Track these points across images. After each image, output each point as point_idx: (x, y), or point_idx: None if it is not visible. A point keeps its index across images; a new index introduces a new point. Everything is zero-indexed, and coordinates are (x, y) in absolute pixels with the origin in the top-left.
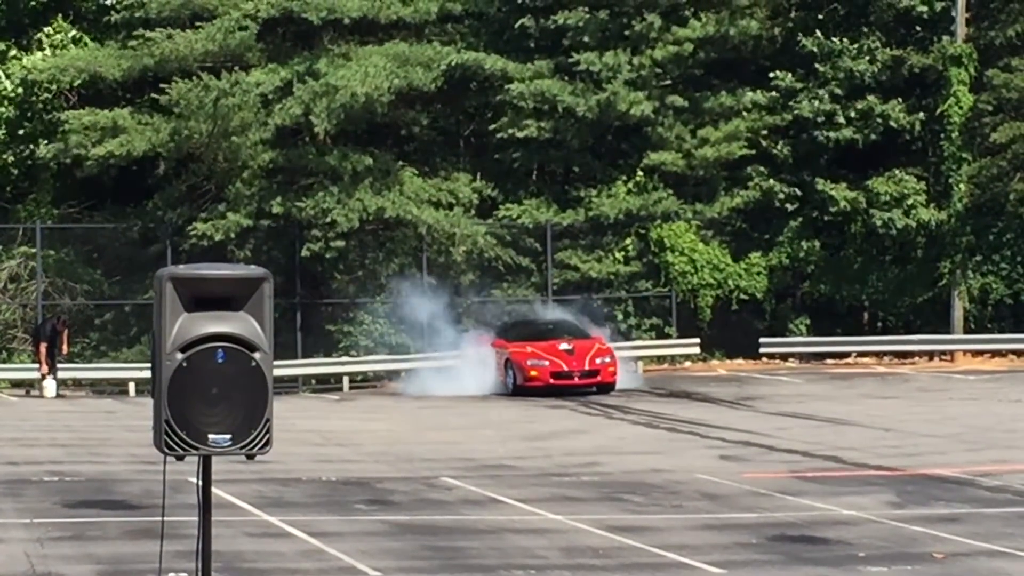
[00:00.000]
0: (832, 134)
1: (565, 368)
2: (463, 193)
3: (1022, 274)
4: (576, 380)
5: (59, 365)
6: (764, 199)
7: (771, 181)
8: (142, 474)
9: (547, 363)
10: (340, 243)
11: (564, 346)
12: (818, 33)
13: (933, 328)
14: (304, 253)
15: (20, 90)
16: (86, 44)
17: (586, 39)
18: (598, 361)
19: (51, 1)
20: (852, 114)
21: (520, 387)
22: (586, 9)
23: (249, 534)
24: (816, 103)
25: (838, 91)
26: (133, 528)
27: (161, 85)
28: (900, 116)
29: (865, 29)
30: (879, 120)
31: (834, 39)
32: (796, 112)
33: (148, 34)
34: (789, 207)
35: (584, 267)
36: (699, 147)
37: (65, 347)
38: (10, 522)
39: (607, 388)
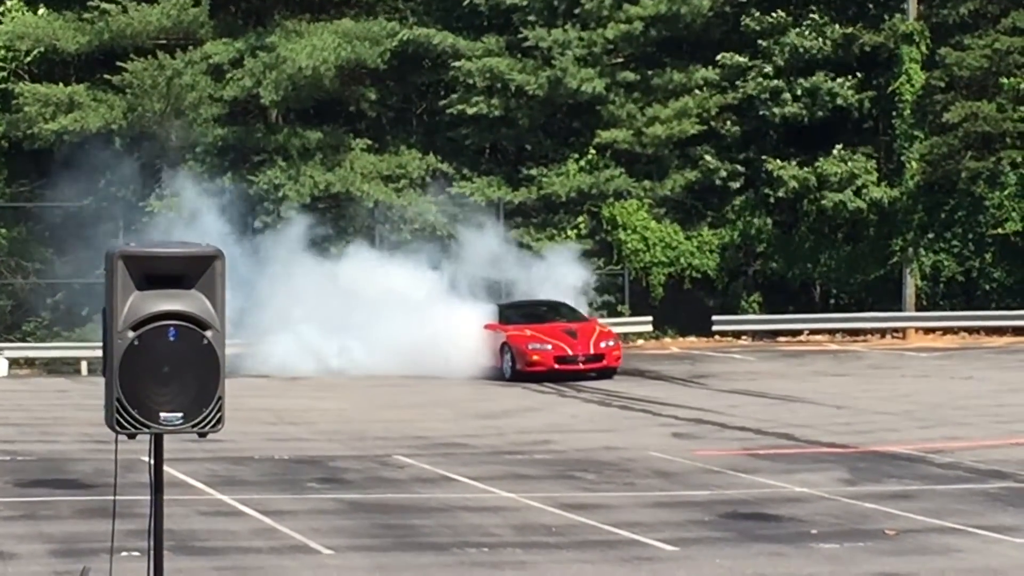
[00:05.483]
0: (778, 110)
1: (569, 352)
2: (413, 168)
3: (973, 252)
4: (581, 365)
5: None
6: (713, 177)
7: (720, 160)
8: (94, 453)
9: (550, 347)
10: (292, 216)
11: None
12: (755, 12)
13: (885, 306)
14: (256, 225)
15: None
16: (38, 13)
17: (534, 18)
18: (602, 345)
19: None
20: (799, 91)
21: (520, 372)
22: None
23: (201, 513)
24: (763, 80)
25: (784, 66)
26: (85, 507)
27: (118, 63)
28: (848, 94)
29: (816, 7)
30: (827, 98)
31: (778, 12)
32: (743, 91)
33: (103, 5)
34: (737, 185)
35: (536, 245)
36: (650, 125)
37: None
38: None
39: (609, 373)
